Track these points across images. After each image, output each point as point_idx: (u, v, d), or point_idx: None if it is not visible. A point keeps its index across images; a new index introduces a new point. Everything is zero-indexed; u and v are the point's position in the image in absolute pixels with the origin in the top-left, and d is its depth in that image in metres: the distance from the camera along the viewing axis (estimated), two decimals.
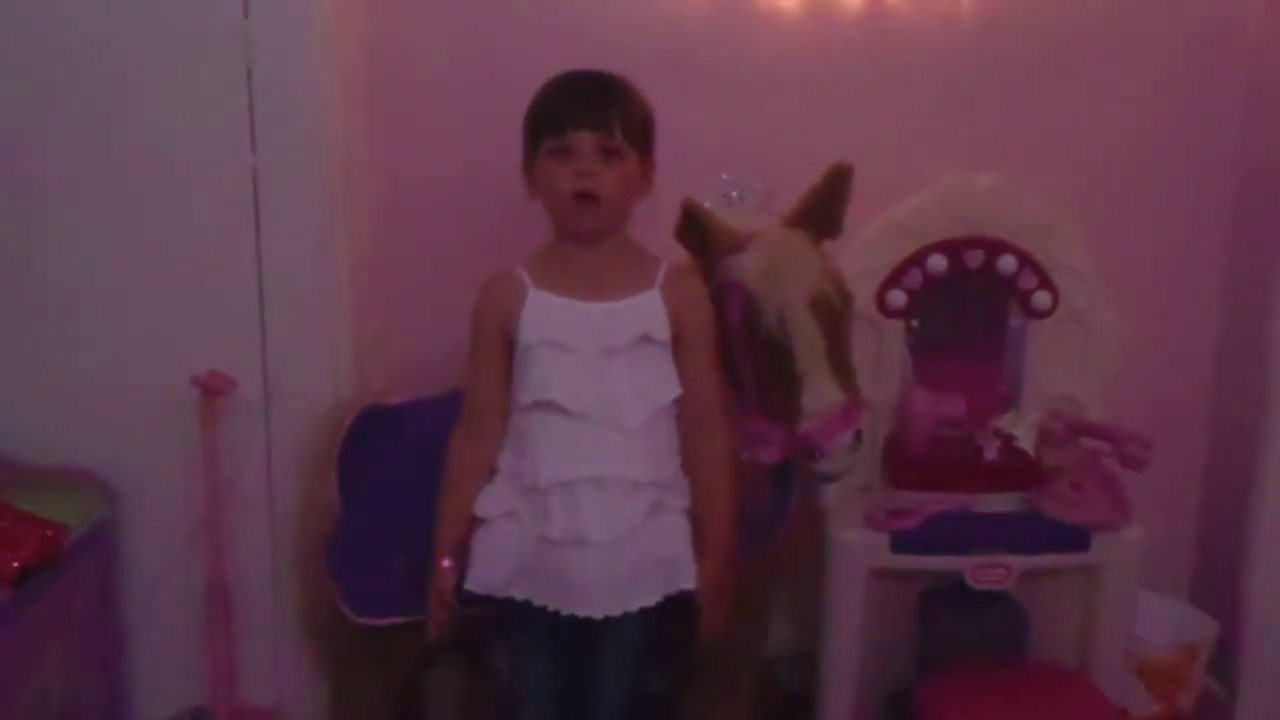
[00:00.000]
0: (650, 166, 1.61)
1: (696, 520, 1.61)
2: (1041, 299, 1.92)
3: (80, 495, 1.84)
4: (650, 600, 1.58)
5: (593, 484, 1.55)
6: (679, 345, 1.59)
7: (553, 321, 1.56)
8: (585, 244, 1.58)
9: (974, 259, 1.90)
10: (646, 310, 1.58)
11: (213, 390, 1.81)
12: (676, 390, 1.59)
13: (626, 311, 1.57)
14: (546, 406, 1.55)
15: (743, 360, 1.62)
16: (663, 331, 1.58)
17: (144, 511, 1.90)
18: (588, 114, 1.53)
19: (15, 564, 1.62)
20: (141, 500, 1.89)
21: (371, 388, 1.93)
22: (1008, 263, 1.90)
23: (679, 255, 1.66)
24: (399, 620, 1.70)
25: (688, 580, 1.59)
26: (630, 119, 1.56)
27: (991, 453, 1.90)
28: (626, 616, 1.56)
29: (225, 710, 1.90)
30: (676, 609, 1.61)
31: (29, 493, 1.76)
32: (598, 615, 1.55)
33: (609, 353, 1.56)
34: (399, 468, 1.75)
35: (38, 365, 1.86)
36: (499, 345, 1.59)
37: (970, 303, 1.96)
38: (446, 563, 1.60)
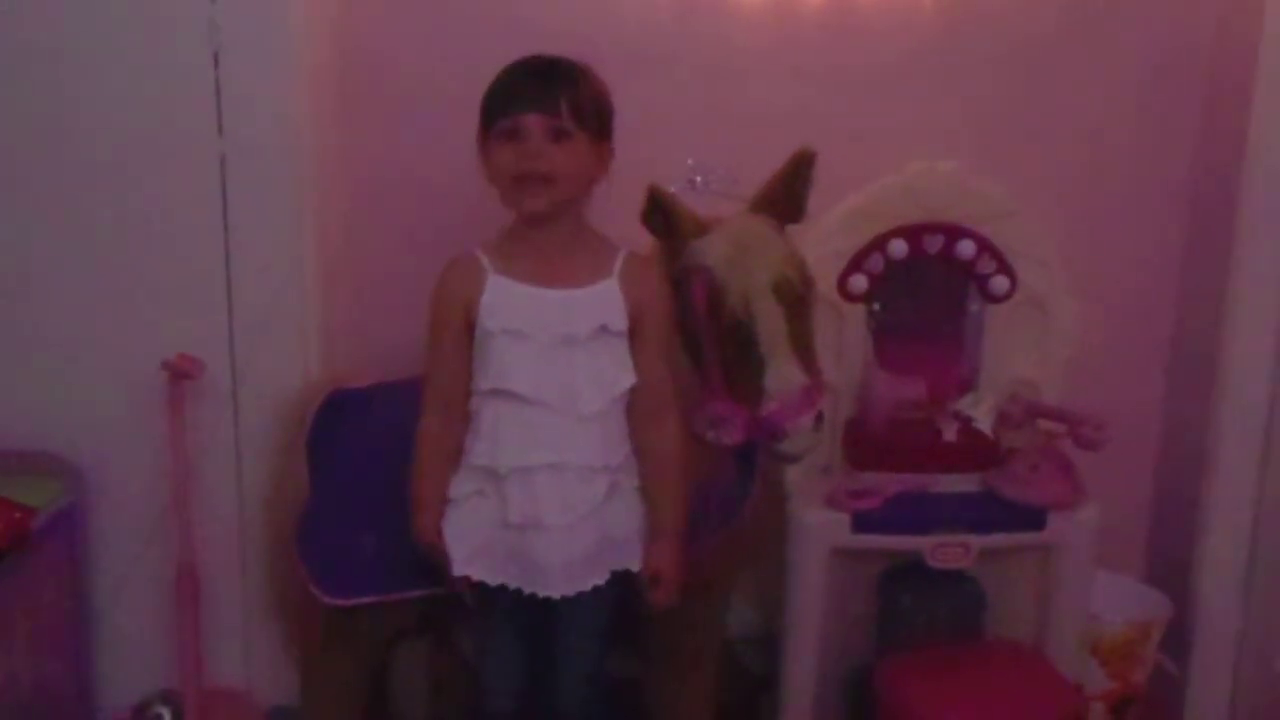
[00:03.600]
0: (606, 150, 1.61)
1: (648, 503, 1.64)
2: (999, 284, 1.96)
3: (48, 479, 1.85)
4: (601, 579, 1.61)
5: (550, 470, 1.57)
6: (634, 334, 1.61)
7: (512, 309, 1.57)
8: (541, 227, 1.58)
9: (933, 244, 1.93)
10: (605, 300, 1.59)
11: (181, 373, 1.82)
12: (632, 379, 1.61)
13: (585, 300, 1.58)
14: (505, 394, 1.57)
15: (707, 343, 1.65)
16: (620, 322, 1.59)
17: (112, 495, 1.91)
18: (536, 96, 1.54)
19: None
20: (110, 483, 1.90)
21: (339, 371, 1.94)
22: (966, 247, 1.93)
23: (643, 241, 1.69)
24: (368, 601, 1.72)
25: (633, 560, 1.63)
26: (580, 100, 1.56)
27: (950, 434, 1.94)
28: (583, 596, 1.60)
29: (194, 692, 1.90)
30: (638, 592, 1.64)
31: None
32: (556, 595, 1.58)
33: (568, 342, 1.57)
34: (367, 450, 1.77)
35: (5, 349, 1.86)
36: (462, 329, 1.59)
37: (930, 287, 1.99)
38: (461, 576, 1.61)
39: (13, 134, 1.81)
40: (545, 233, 1.59)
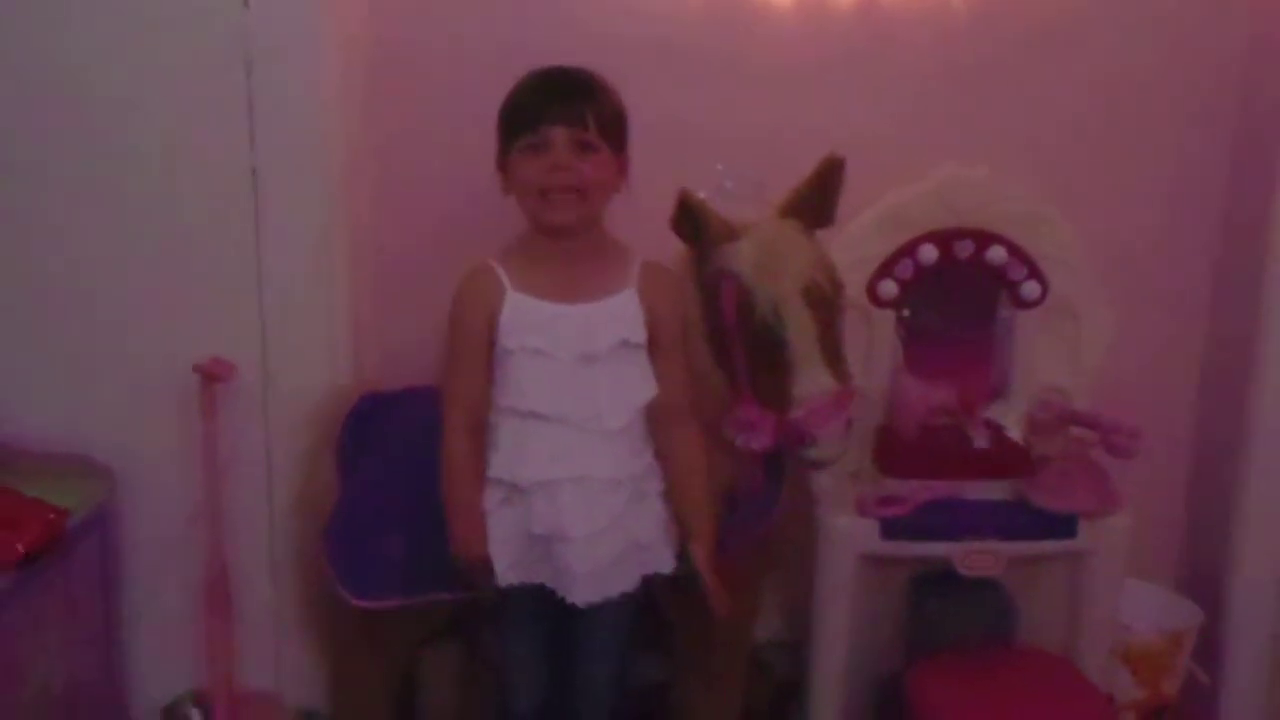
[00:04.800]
0: (624, 162, 1.61)
1: (676, 509, 1.64)
2: (1030, 289, 1.95)
3: (82, 480, 1.86)
4: (630, 585, 1.62)
5: (573, 483, 1.57)
6: (652, 342, 1.61)
7: (532, 327, 1.56)
8: (560, 238, 1.58)
9: (964, 249, 1.92)
10: (624, 312, 1.59)
11: (213, 376, 1.83)
12: (654, 390, 1.61)
13: (605, 314, 1.58)
14: (526, 413, 1.57)
15: (736, 349, 1.64)
16: (640, 334, 1.59)
17: (144, 496, 1.92)
18: (562, 109, 1.53)
19: (19, 547, 1.64)
20: (142, 485, 1.91)
21: (368, 374, 1.95)
22: (997, 253, 1.92)
23: (672, 247, 1.68)
24: (396, 603, 1.73)
25: (664, 564, 1.63)
26: (603, 114, 1.56)
27: (981, 441, 1.93)
28: (610, 602, 1.60)
29: (224, 694, 1.91)
30: (667, 597, 1.64)
31: (31, 478, 1.78)
32: (582, 603, 1.59)
33: (589, 359, 1.57)
34: (396, 454, 1.78)
35: (40, 352, 1.88)
36: (483, 346, 1.58)
37: (960, 293, 1.98)
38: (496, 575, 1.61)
39: (47, 143, 1.82)
40: (563, 244, 1.59)
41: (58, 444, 1.88)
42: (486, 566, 1.60)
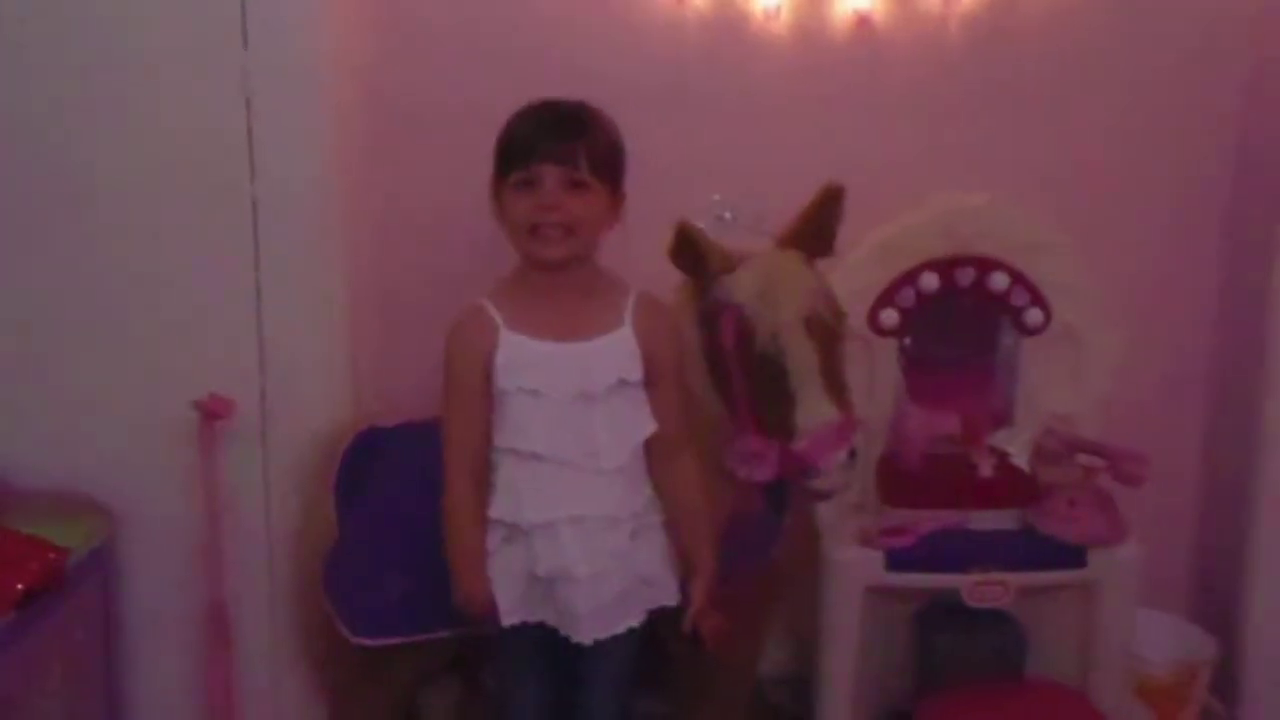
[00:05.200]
0: (620, 198, 1.59)
1: (677, 541, 1.62)
2: (1034, 316, 1.94)
3: (81, 519, 1.85)
4: (636, 620, 1.60)
5: (573, 522, 1.56)
6: (648, 377, 1.59)
7: (527, 367, 1.55)
8: (552, 275, 1.56)
9: (965, 277, 1.91)
10: (619, 351, 1.57)
11: (212, 413, 1.83)
12: (652, 427, 1.59)
13: (601, 353, 1.56)
14: (524, 454, 1.56)
15: (737, 379, 1.63)
16: (636, 372, 1.58)
17: (144, 534, 1.91)
18: (554, 146, 1.52)
19: (19, 586, 1.63)
20: (141, 523, 1.90)
21: (368, 410, 1.95)
22: (999, 280, 1.91)
23: (671, 278, 1.68)
24: (397, 641, 1.71)
25: (669, 597, 1.62)
26: (597, 151, 1.54)
27: (987, 470, 1.91)
28: (614, 638, 1.58)
29: None
30: (671, 631, 1.62)
31: (30, 516, 1.78)
32: (587, 641, 1.57)
33: (586, 398, 1.55)
34: (396, 489, 1.77)
35: (39, 390, 1.88)
36: (481, 389, 1.56)
37: (962, 320, 1.97)
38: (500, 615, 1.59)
39: (47, 178, 1.83)
40: (555, 280, 1.57)
41: (57, 482, 1.87)
42: (489, 609, 1.58)
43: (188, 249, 1.85)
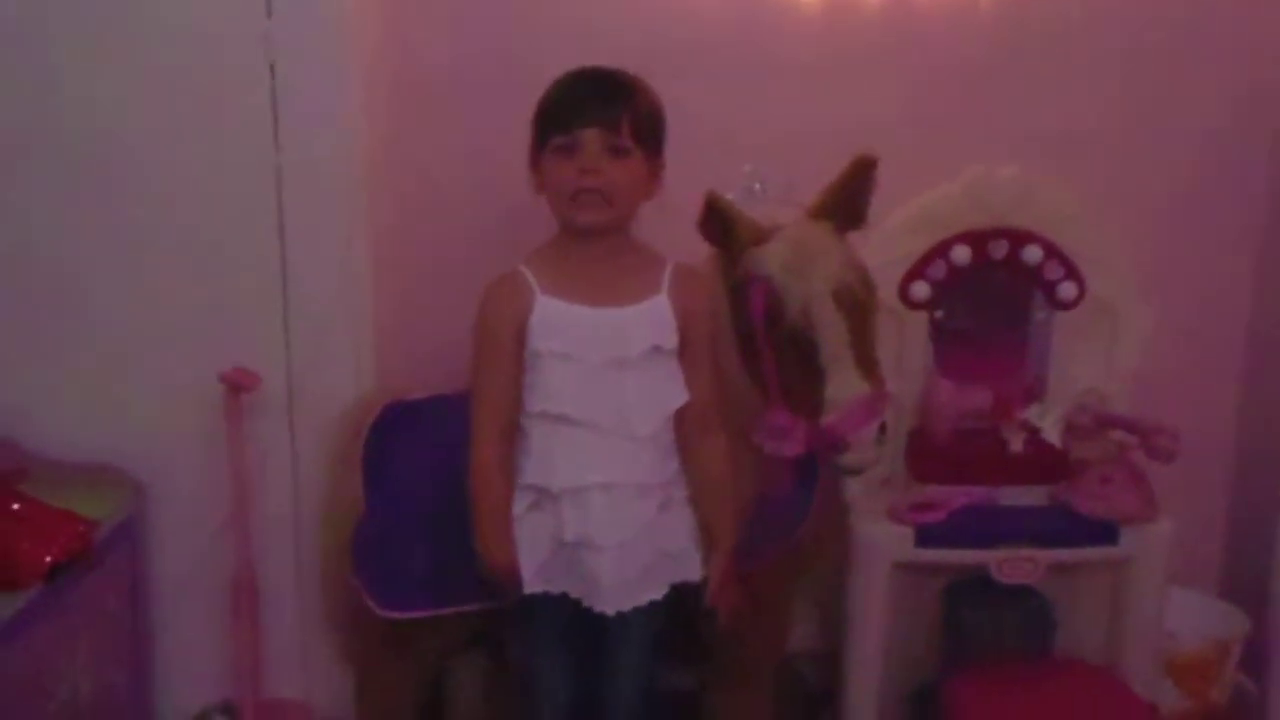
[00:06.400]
0: (659, 166, 1.59)
1: (700, 516, 1.62)
2: (1067, 290, 1.90)
3: (109, 491, 1.86)
4: (660, 594, 1.60)
5: (602, 489, 1.55)
6: (683, 347, 1.59)
7: (561, 331, 1.55)
8: (590, 242, 1.57)
9: (999, 249, 1.88)
10: (655, 318, 1.57)
11: (239, 386, 1.82)
12: (684, 396, 1.59)
13: (636, 320, 1.56)
14: (556, 416, 1.55)
15: (766, 353, 1.61)
16: (672, 340, 1.57)
17: (171, 506, 1.92)
18: (596, 111, 1.52)
19: (47, 558, 1.63)
20: (169, 495, 1.92)
21: (394, 383, 1.94)
22: (1033, 253, 1.88)
23: (700, 250, 1.66)
24: (423, 614, 1.72)
25: (693, 572, 1.61)
26: (638, 117, 1.54)
27: (1017, 445, 1.89)
28: (638, 611, 1.58)
29: (252, 703, 1.91)
30: (697, 606, 1.62)
31: (59, 488, 1.78)
32: (610, 611, 1.57)
33: (619, 364, 1.55)
34: (422, 463, 1.76)
35: (66, 363, 1.88)
36: (514, 351, 1.57)
37: (995, 294, 1.94)
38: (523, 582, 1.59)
39: (71, 149, 1.83)
40: (594, 247, 1.57)
41: (86, 455, 1.88)
42: (513, 573, 1.58)
43: (213, 221, 1.85)
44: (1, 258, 1.86)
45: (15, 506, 1.67)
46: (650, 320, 1.56)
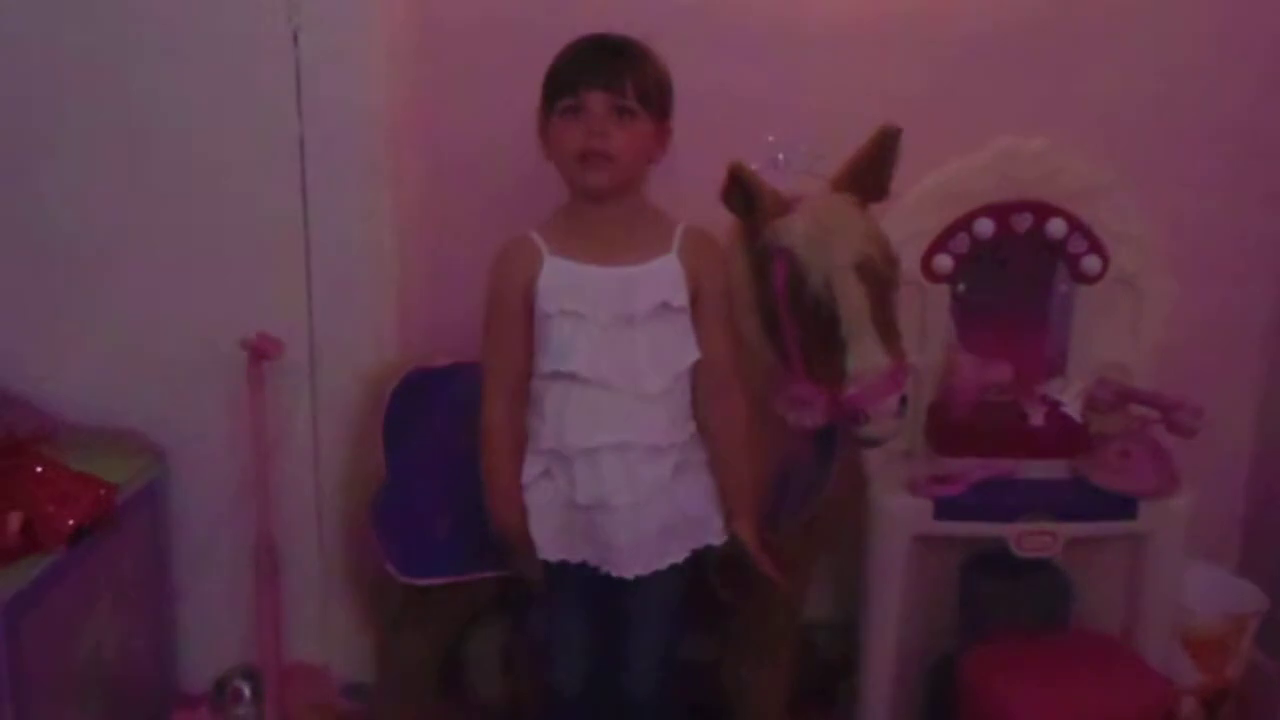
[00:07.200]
0: (666, 131, 1.60)
1: (719, 480, 1.62)
2: (1091, 263, 1.89)
3: (132, 455, 1.88)
4: (679, 558, 1.60)
5: (615, 450, 1.56)
6: (695, 308, 1.59)
7: (570, 290, 1.56)
8: (599, 205, 1.57)
9: (1022, 223, 1.87)
10: (665, 276, 1.57)
11: (261, 352, 1.83)
12: (695, 355, 1.59)
13: (645, 277, 1.57)
14: (566, 376, 1.56)
15: (787, 324, 1.61)
16: (681, 297, 1.57)
17: (193, 471, 1.93)
18: (601, 74, 1.53)
19: (70, 522, 1.65)
20: (191, 460, 1.93)
21: (416, 350, 1.94)
22: (1057, 226, 1.87)
23: (723, 220, 1.65)
24: (443, 580, 1.73)
25: (714, 536, 1.62)
26: (645, 80, 1.55)
27: (1038, 419, 1.88)
28: (657, 575, 1.59)
29: (273, 667, 1.93)
30: (716, 574, 1.62)
31: (82, 453, 1.79)
32: (628, 575, 1.58)
33: (628, 321, 1.55)
34: (443, 430, 1.76)
35: (89, 328, 1.90)
36: (521, 313, 1.58)
37: (1018, 267, 1.93)
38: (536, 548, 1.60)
39: (94, 116, 1.83)
40: (603, 210, 1.58)
41: (108, 420, 1.89)
42: (522, 534, 1.59)
43: (236, 187, 1.85)
44: (25, 223, 1.87)
45: (39, 470, 1.68)
46: (659, 277, 1.57)
